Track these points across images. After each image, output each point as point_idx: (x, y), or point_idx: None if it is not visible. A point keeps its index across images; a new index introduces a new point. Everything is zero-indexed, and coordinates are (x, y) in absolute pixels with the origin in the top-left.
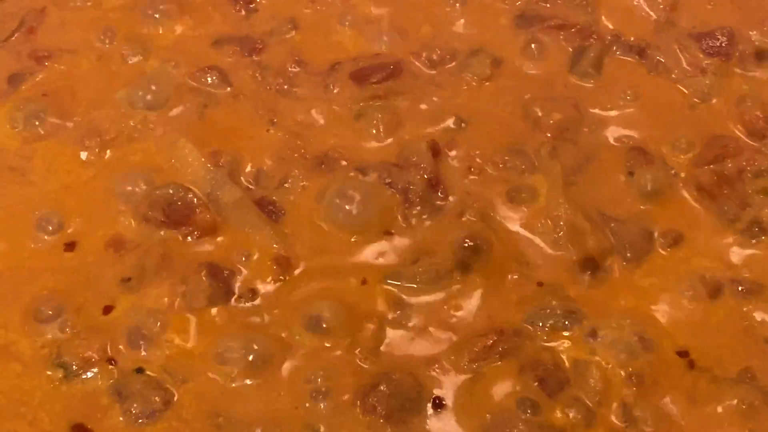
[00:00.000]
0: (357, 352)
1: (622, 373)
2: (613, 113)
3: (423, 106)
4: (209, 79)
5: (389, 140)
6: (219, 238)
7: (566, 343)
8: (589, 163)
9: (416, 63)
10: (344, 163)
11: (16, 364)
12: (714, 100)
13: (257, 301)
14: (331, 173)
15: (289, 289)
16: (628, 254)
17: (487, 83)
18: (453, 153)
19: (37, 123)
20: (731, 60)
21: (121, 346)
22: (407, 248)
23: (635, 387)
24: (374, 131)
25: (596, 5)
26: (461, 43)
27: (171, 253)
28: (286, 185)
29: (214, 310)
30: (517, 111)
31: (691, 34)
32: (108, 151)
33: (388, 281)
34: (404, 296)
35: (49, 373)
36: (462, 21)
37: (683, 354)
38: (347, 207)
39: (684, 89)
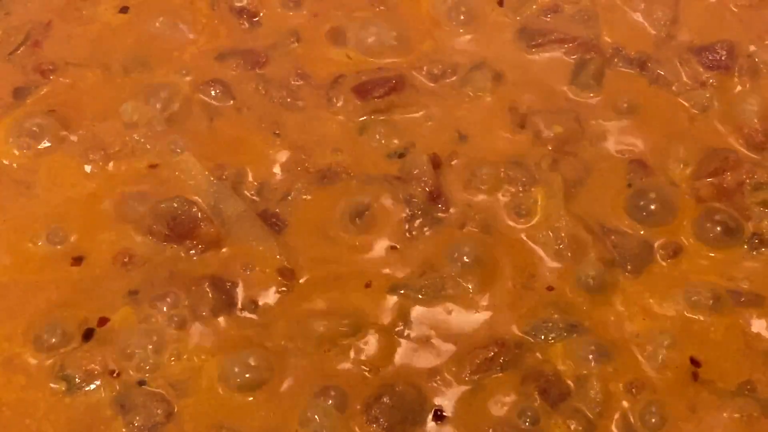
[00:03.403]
0: (361, 363)
1: (622, 384)
2: (614, 126)
3: (425, 119)
4: (213, 92)
5: (392, 153)
6: (223, 250)
7: (567, 355)
8: (589, 175)
9: (418, 77)
10: (346, 176)
11: (20, 376)
12: (713, 113)
13: (260, 313)
14: (334, 186)
15: (293, 299)
16: (629, 266)
17: (488, 97)
18: (454, 165)
19: (41, 136)
20: (731, 73)
21: (123, 359)
22: (410, 260)
23: (636, 398)
24: (377, 145)
25: (597, 20)
26: (463, 58)
27: (176, 266)
28: (289, 198)
29: (217, 322)
30: (517, 124)
31: (690, 47)
32: (112, 164)
33: (392, 292)
34: (408, 308)
35: (52, 385)
36: (464, 35)
37: (689, 365)
38: (350, 219)
39: (684, 102)
